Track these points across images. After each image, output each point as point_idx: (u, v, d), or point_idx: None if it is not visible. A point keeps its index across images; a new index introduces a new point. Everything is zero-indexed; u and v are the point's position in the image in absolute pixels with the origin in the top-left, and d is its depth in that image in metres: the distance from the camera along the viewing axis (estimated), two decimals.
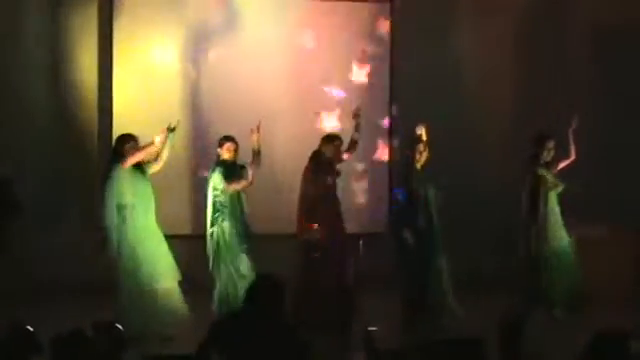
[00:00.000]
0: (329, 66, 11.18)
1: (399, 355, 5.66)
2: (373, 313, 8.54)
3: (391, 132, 11.40)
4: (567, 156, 9.46)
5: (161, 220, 8.57)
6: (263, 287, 5.27)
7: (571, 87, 11.33)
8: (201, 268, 8.87)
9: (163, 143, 8.47)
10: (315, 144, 8.97)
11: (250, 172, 8.79)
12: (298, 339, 5.26)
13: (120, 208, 8.28)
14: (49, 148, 10.68)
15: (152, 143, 8.43)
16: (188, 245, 9.72)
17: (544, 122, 9.99)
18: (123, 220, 8.27)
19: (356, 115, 9.18)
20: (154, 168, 8.60)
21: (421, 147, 8.97)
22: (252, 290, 5.31)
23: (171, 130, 8.52)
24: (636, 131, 11.24)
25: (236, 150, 8.81)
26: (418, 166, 8.96)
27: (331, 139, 8.93)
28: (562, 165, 9.46)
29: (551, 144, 9.36)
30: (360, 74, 11.31)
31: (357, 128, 9.19)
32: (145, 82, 10.74)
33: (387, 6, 11.38)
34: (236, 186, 8.74)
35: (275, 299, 5.25)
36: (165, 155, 8.61)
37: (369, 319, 7.85)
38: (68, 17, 10.73)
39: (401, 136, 10.95)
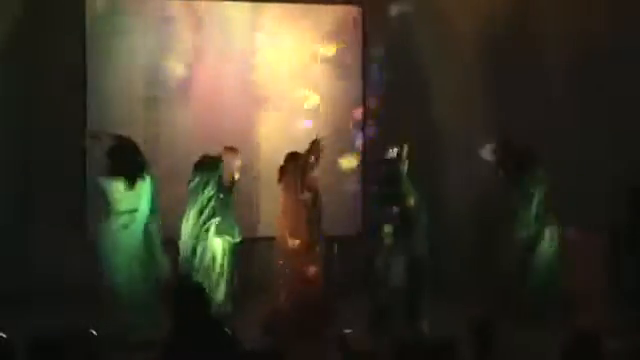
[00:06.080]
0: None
1: (374, 357, 5.69)
2: (347, 316, 8.53)
3: (364, 134, 11.42)
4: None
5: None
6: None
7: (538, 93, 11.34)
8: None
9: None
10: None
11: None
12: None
13: (111, 214, 8.46)
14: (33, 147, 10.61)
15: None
16: None
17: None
18: (113, 225, 8.45)
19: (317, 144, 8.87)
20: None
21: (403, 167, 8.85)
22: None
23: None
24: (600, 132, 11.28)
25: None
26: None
27: (294, 158, 8.81)
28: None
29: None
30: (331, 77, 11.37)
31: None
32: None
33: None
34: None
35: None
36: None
37: (344, 322, 7.89)
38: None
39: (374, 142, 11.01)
